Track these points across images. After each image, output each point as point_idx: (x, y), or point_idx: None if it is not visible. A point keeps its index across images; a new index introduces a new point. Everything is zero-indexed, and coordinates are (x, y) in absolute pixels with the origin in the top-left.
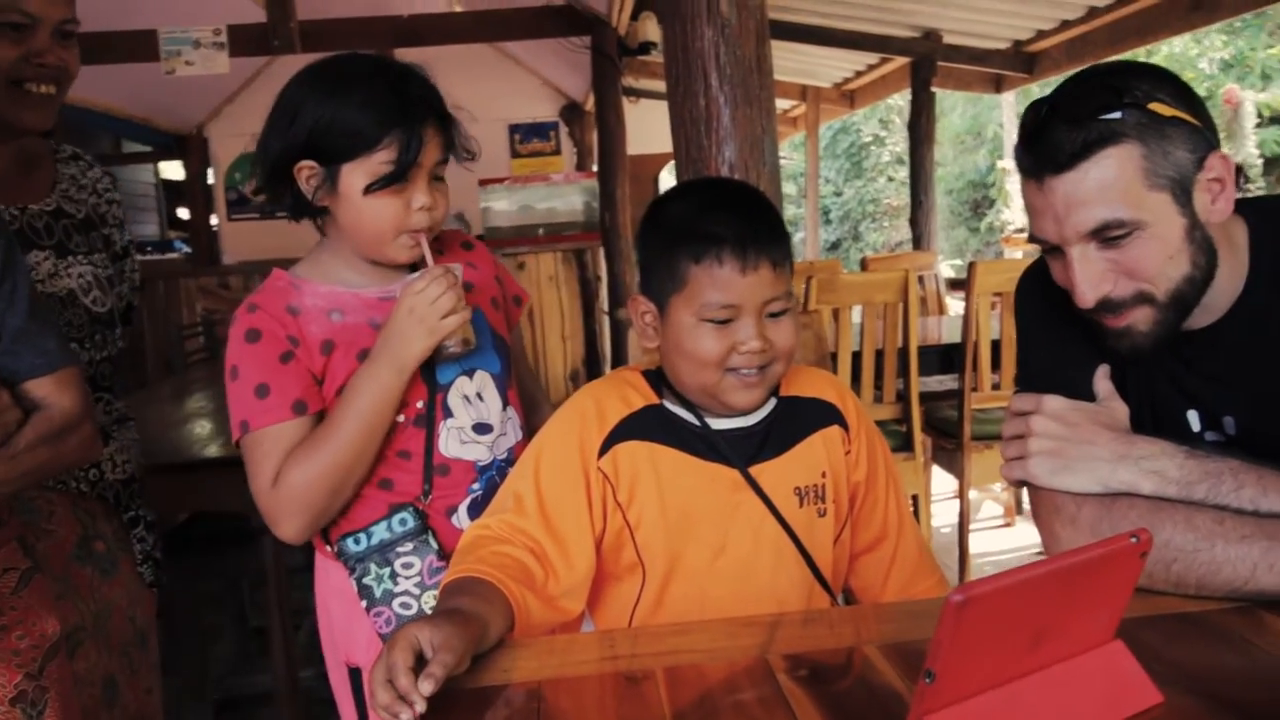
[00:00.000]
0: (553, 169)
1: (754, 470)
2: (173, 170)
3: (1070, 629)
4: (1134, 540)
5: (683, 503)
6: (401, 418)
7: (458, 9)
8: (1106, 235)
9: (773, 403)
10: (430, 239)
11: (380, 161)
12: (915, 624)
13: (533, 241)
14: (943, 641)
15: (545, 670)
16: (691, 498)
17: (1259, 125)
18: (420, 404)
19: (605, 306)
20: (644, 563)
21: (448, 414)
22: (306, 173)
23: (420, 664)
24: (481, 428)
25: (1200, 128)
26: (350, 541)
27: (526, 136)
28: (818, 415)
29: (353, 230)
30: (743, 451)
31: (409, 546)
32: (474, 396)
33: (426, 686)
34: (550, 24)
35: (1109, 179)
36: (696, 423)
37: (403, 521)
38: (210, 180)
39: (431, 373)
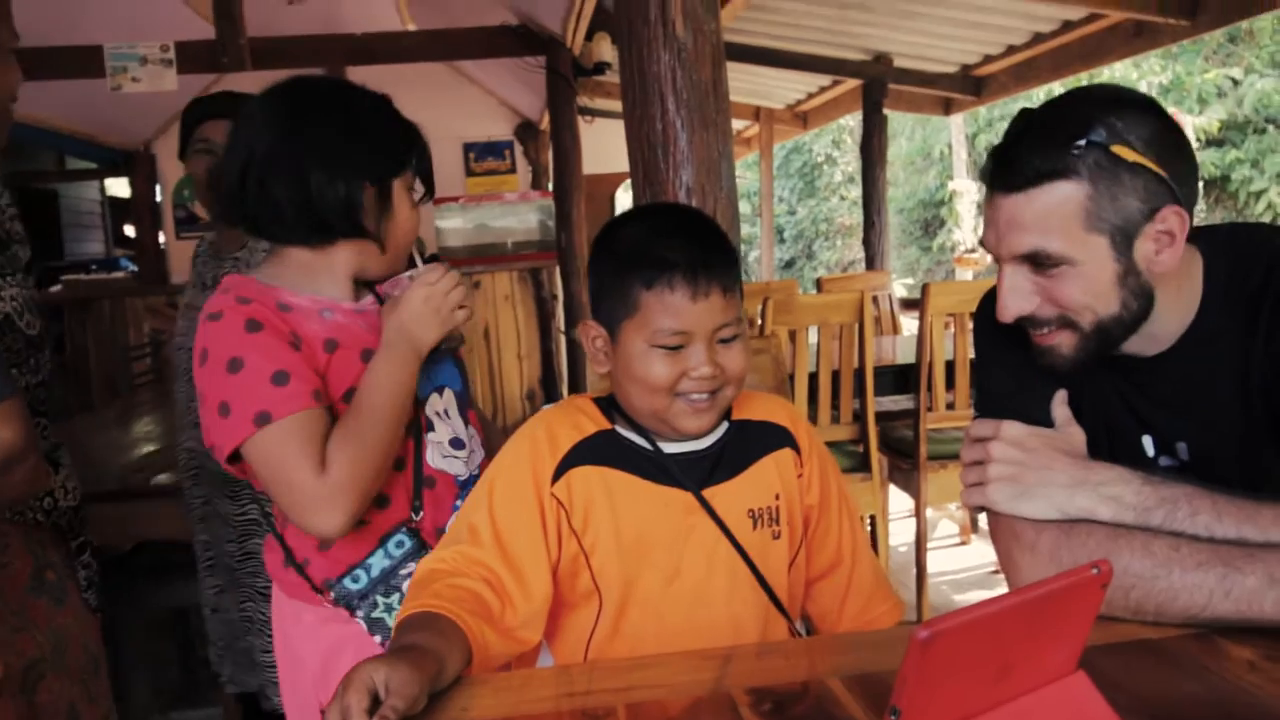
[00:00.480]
0: (508, 188)
1: (707, 493)
2: (119, 187)
3: (1034, 661)
4: (1095, 571)
5: (637, 527)
6: None
7: (411, 28)
8: (1036, 261)
9: (725, 426)
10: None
11: (411, 181)
12: (876, 655)
13: (488, 260)
14: (908, 678)
15: (502, 708)
16: (645, 521)
17: (1197, 148)
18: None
19: (561, 325)
20: (600, 589)
21: (430, 427)
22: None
23: (376, 705)
24: (456, 442)
25: (1164, 178)
26: (348, 581)
27: (481, 155)
28: (770, 438)
29: (382, 235)
30: (695, 474)
31: (410, 567)
32: (444, 413)
33: None
34: (504, 44)
35: (1049, 211)
36: (649, 447)
37: (399, 544)
38: (158, 198)
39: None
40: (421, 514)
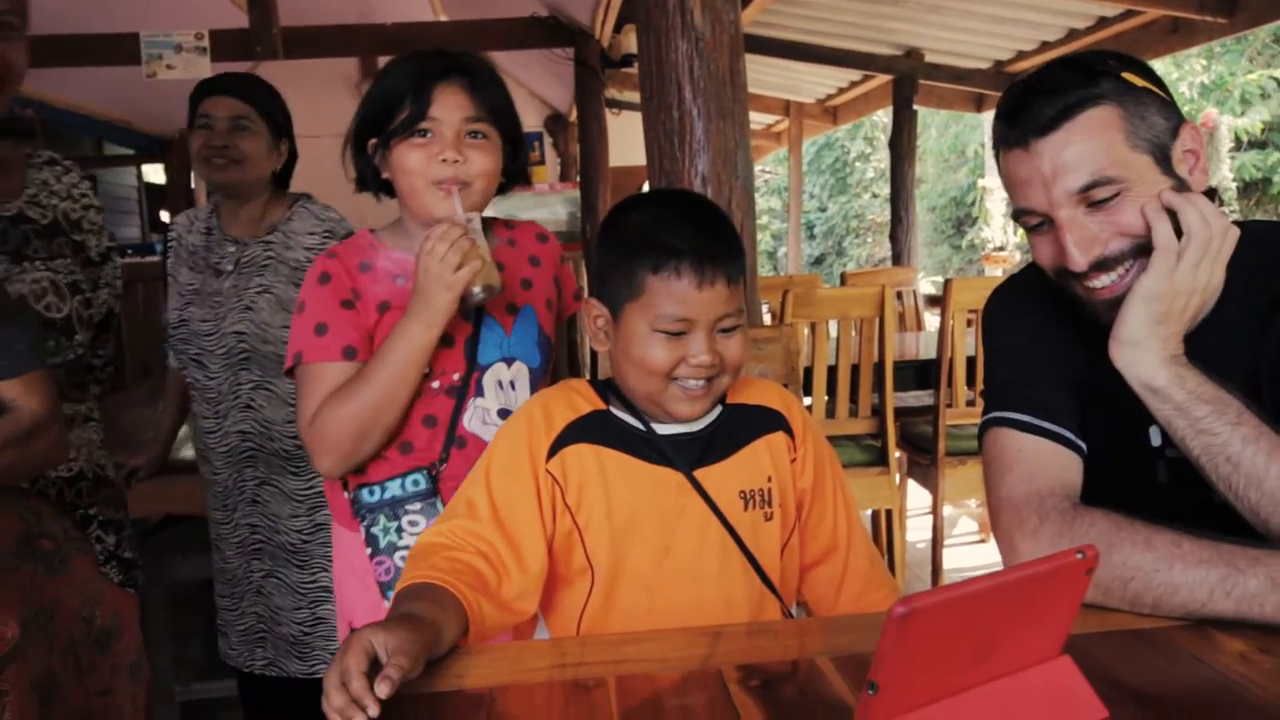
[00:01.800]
0: (537, 179)
1: (699, 474)
2: (155, 173)
3: (1016, 643)
4: (1080, 556)
5: (628, 505)
6: (436, 384)
7: (442, 18)
8: (1094, 197)
9: (718, 409)
10: (468, 196)
11: (401, 120)
12: (868, 636)
13: None
14: (886, 653)
15: (497, 677)
16: (636, 500)
17: (1238, 150)
18: (456, 376)
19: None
20: (592, 565)
21: (479, 393)
22: (372, 148)
23: (375, 669)
24: (506, 414)
25: (1170, 101)
26: (365, 492)
27: (527, 144)
28: (763, 421)
29: (398, 190)
30: (687, 455)
31: (417, 506)
32: (507, 384)
33: (382, 689)
34: (533, 35)
35: (1092, 137)
36: (642, 427)
37: (415, 482)
38: (193, 184)
39: (474, 351)
40: (445, 465)
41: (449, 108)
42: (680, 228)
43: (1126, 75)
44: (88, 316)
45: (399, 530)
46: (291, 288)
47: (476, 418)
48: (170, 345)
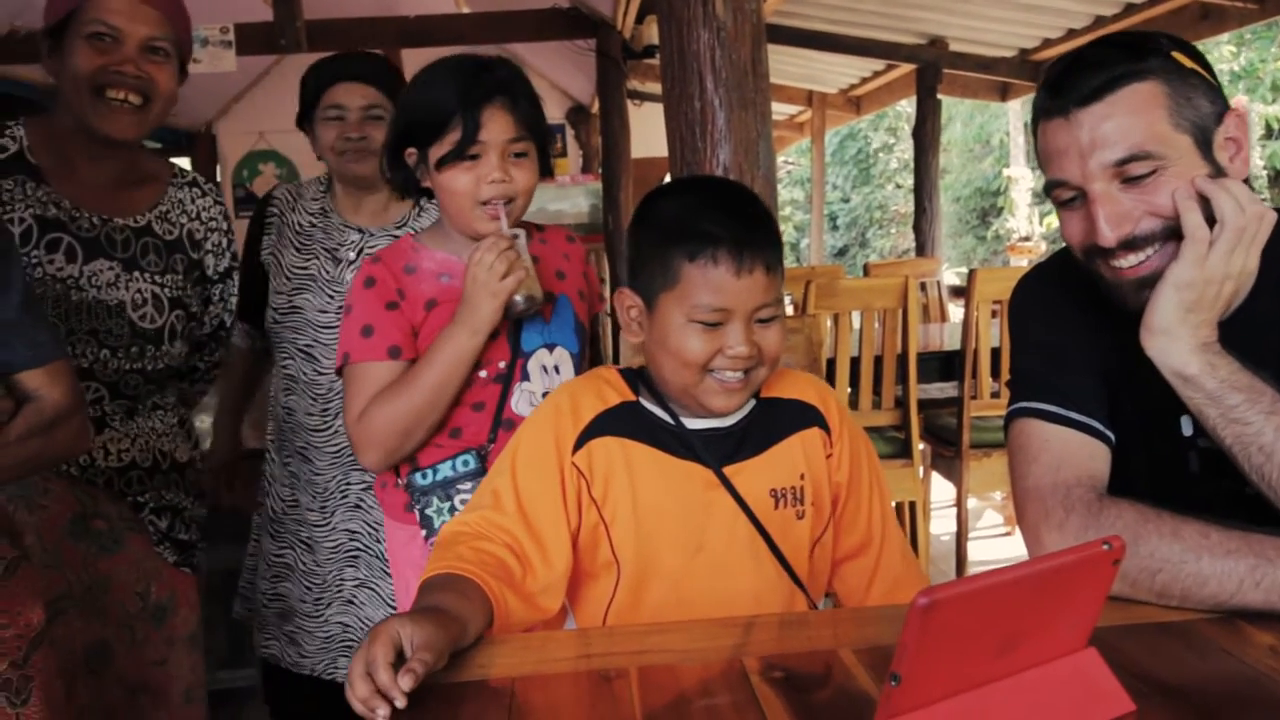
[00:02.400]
0: (559, 171)
1: (729, 470)
2: (182, 166)
3: (1041, 635)
4: (1106, 547)
5: (655, 500)
6: (484, 373)
7: (465, 10)
8: (1130, 172)
9: (751, 403)
10: (512, 213)
11: (449, 142)
12: (894, 628)
13: None
14: (909, 644)
15: (521, 667)
16: (664, 495)
17: (1268, 138)
18: (502, 364)
19: (608, 309)
20: (618, 560)
21: (525, 377)
22: (412, 158)
23: (400, 660)
24: None
25: (1217, 86)
26: (418, 476)
27: (551, 138)
28: (797, 417)
29: (443, 206)
30: (718, 451)
31: (468, 485)
32: (551, 368)
33: (406, 681)
34: (555, 26)
35: (1135, 111)
36: (671, 421)
37: (465, 463)
38: (219, 177)
39: (518, 338)
40: (493, 445)
41: (496, 130)
42: (716, 214)
43: (1176, 55)
44: (185, 330)
45: (452, 510)
46: None
47: (524, 401)
48: (272, 331)
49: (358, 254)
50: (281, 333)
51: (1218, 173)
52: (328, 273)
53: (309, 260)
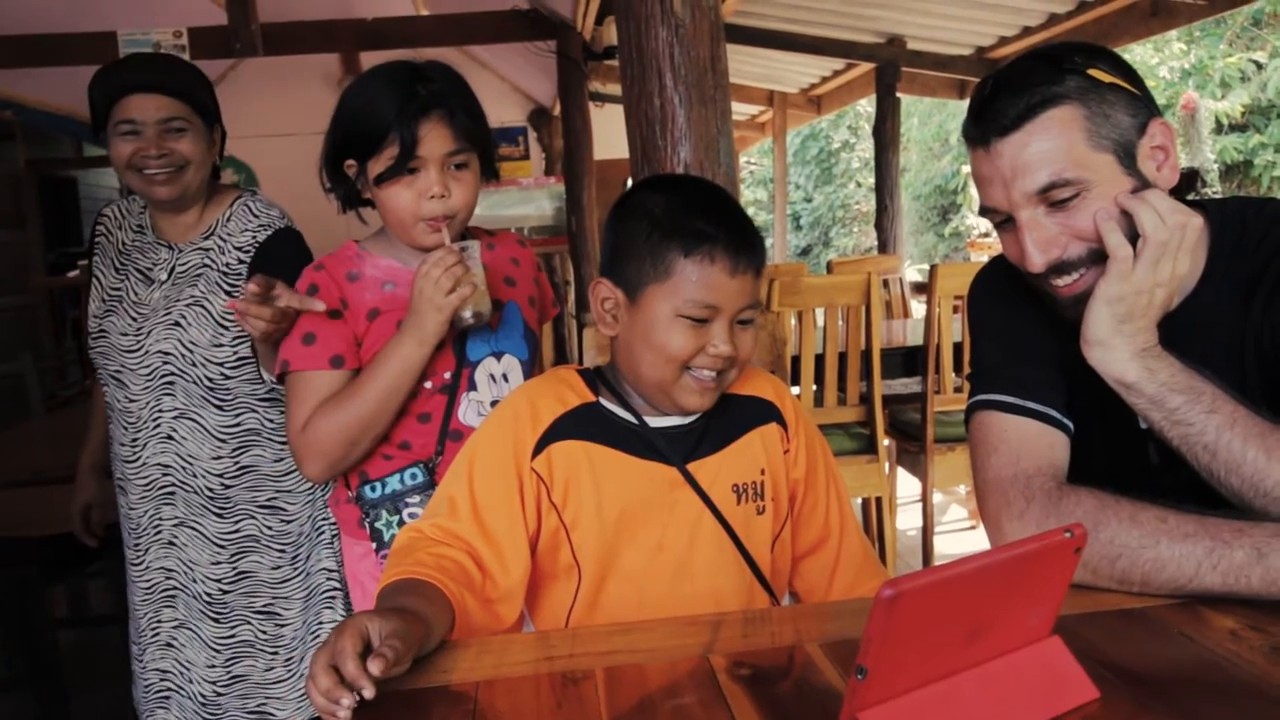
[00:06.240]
0: (521, 174)
1: (691, 467)
2: None
3: (1005, 624)
4: (1068, 535)
5: (620, 502)
6: (429, 384)
7: (423, 12)
8: (1054, 198)
9: None
10: (454, 226)
11: (387, 157)
12: (858, 622)
13: None
14: (874, 636)
15: (483, 670)
16: (628, 496)
17: (1218, 133)
18: (448, 374)
19: (573, 311)
20: (579, 563)
21: (472, 387)
22: (352, 170)
23: (367, 654)
24: None
25: (1139, 96)
26: (367, 489)
27: (494, 141)
28: (756, 413)
29: (384, 219)
30: (680, 448)
31: (416, 499)
32: (499, 377)
33: (376, 666)
34: (515, 28)
35: (1052, 139)
36: (633, 420)
37: (413, 476)
38: None
39: (463, 348)
40: (441, 457)
41: (433, 144)
42: (714, 213)
43: (1093, 71)
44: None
45: (401, 523)
46: (224, 297)
47: (471, 411)
48: (91, 356)
49: (169, 273)
50: (95, 358)
51: (1143, 185)
52: (135, 294)
53: (122, 281)
